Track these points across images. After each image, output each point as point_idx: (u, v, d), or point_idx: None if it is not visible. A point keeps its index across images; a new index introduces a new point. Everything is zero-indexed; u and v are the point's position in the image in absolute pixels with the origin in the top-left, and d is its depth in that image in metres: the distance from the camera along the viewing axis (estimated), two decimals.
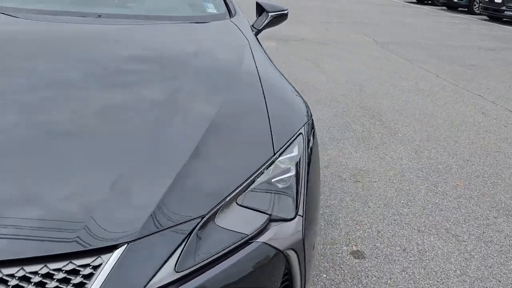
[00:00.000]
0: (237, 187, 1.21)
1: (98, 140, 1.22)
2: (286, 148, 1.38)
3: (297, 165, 1.38)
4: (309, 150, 1.47)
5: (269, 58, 2.02)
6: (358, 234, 2.33)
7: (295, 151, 1.39)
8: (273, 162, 1.33)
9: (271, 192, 1.29)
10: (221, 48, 1.87)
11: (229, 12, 2.36)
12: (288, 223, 1.25)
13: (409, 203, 2.68)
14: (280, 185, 1.32)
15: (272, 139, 1.38)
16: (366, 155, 3.29)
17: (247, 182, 1.24)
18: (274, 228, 1.22)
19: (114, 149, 1.20)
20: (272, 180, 1.31)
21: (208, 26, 2.12)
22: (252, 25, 2.57)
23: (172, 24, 2.06)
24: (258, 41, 2.19)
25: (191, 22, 2.13)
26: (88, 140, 1.22)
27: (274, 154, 1.34)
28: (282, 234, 1.22)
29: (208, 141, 1.30)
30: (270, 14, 2.56)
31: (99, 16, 2.02)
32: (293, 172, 1.36)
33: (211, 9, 2.37)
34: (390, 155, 3.33)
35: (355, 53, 6.95)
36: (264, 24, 2.55)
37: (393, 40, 8.44)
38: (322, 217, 2.44)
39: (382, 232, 2.36)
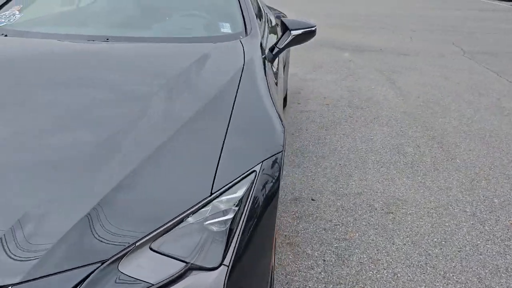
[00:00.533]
0: (154, 230, 1.14)
1: (26, 167, 1.23)
2: (228, 188, 1.28)
3: (240, 207, 1.27)
4: (264, 189, 1.35)
5: (267, 84, 1.90)
6: (370, 274, 2.11)
7: (239, 192, 1.28)
8: (208, 202, 1.24)
9: (200, 236, 1.20)
10: (207, 72, 1.81)
11: (246, 31, 2.30)
12: (209, 273, 1.15)
13: (443, 242, 2.37)
14: (215, 228, 1.23)
15: (215, 177, 1.28)
16: (410, 183, 2.99)
17: (169, 224, 1.17)
18: (191, 278, 1.13)
19: (37, 176, 1.20)
20: (206, 223, 1.22)
21: (211, 48, 2.07)
22: (275, 44, 2.48)
23: (174, 46, 2.05)
24: (264, 63, 2.09)
25: (197, 43, 2.10)
26: (15, 165, 1.24)
27: (211, 194, 1.24)
28: (198, 285, 1.13)
29: (142, 173, 1.26)
30: (292, 32, 2.44)
31: (107, 39, 2.08)
32: (232, 215, 1.25)
33: (226, 29, 2.32)
34: (439, 184, 2.99)
35: (437, 65, 6.42)
36: (286, 42, 2.43)
37: (485, 50, 7.67)
38: (335, 252, 2.25)
39: (398, 275, 2.11)
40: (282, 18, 2.56)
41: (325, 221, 2.52)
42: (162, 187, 1.24)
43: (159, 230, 1.14)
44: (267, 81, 1.94)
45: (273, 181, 1.39)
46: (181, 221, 1.19)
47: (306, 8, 12.45)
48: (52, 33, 2.14)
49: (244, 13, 2.41)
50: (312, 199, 2.74)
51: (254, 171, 1.34)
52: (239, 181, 1.30)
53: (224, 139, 1.41)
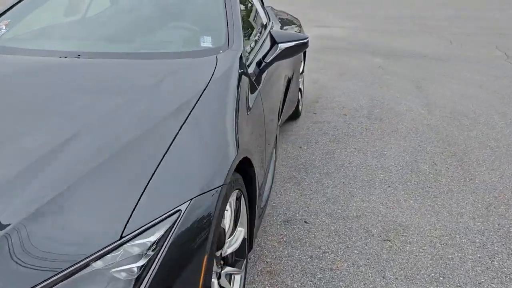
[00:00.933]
0: (48, 278, 1.04)
1: None
2: (144, 230, 1.16)
3: (155, 252, 1.15)
4: (191, 231, 1.22)
5: (236, 102, 1.78)
6: None
7: (155, 235, 1.16)
8: (119, 246, 1.12)
9: (105, 285, 1.09)
10: (164, 92, 1.70)
11: (228, 45, 2.18)
12: None
13: (442, 278, 2.13)
14: (123, 276, 1.11)
15: (131, 216, 1.17)
16: (417, 206, 2.75)
17: (68, 270, 1.06)
18: None
19: None
20: (114, 270, 1.11)
21: (182, 64, 1.96)
22: (263, 58, 2.33)
23: (142, 63, 1.96)
24: (240, 79, 1.96)
25: (168, 59, 2.00)
26: None
27: (121, 237, 1.13)
28: None
29: (49, 209, 1.16)
30: (280, 45, 2.29)
31: (78, 56, 2.02)
32: (144, 261, 1.13)
33: (206, 43, 2.21)
34: (450, 208, 2.73)
35: (475, 71, 6.00)
36: (273, 56, 2.29)
37: None
38: (316, 284, 2.08)
39: None
40: (271, 30, 2.41)
41: (314, 247, 2.34)
42: (69, 227, 1.14)
43: (54, 278, 1.04)
44: (237, 98, 1.81)
45: (204, 222, 1.25)
46: (85, 266, 1.08)
47: (351, 10, 12.13)
48: (26, 49, 2.12)
49: (229, 26, 2.28)
50: (305, 222, 2.56)
51: (178, 210, 1.21)
52: (158, 222, 1.18)
53: (155, 170, 1.29)
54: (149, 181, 1.26)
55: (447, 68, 6.21)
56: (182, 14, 2.50)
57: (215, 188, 1.32)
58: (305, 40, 2.38)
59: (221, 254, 1.63)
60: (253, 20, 2.98)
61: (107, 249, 1.10)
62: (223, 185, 1.35)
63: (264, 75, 2.35)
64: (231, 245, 1.74)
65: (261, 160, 2.07)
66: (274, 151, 2.88)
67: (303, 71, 4.33)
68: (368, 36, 8.49)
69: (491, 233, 2.49)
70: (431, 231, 2.50)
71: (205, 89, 1.73)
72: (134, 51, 2.12)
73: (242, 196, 1.76)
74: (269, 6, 3.99)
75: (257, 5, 3.19)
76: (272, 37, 2.32)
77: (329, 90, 5.10)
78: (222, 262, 1.67)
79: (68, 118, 1.51)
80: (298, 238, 2.41)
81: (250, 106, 1.96)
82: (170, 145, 1.40)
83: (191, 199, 1.24)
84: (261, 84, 2.25)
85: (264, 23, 3.16)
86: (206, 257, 1.24)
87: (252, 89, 2.08)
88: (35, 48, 2.13)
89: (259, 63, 2.32)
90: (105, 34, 2.35)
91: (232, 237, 1.72)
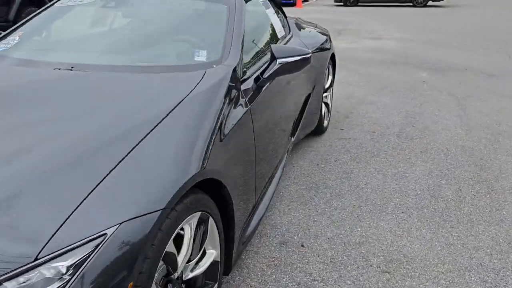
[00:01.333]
0: None
1: None
2: (63, 253, 1.13)
3: (72, 277, 1.11)
4: (115, 258, 1.17)
5: (216, 118, 1.74)
6: None
7: (72, 259, 1.12)
8: (32, 268, 1.10)
9: None
10: (134, 107, 1.68)
11: (222, 60, 2.13)
12: None
13: None
14: None
15: (51, 238, 1.14)
16: (429, 236, 2.53)
17: None
18: None
19: None
20: None
21: (166, 78, 1.94)
22: (261, 74, 2.26)
23: (128, 77, 1.95)
24: (228, 94, 1.90)
25: (156, 74, 1.98)
26: None
27: (36, 259, 1.10)
28: None
29: None
30: (278, 60, 2.21)
31: (71, 68, 2.05)
32: (57, 285, 1.10)
33: (201, 57, 2.17)
34: (465, 240, 2.49)
35: None
36: (270, 72, 2.21)
37: None
38: None
39: None
40: (271, 45, 2.33)
41: (304, 273, 2.22)
42: None
43: None
44: (216, 115, 1.76)
45: (133, 248, 1.20)
46: None
47: (411, 23, 11.74)
48: (22, 59, 2.19)
49: (227, 40, 2.23)
50: (302, 245, 2.44)
51: (104, 234, 1.17)
52: (79, 245, 1.14)
53: (94, 188, 1.26)
54: (83, 200, 1.23)
55: (498, 84, 5.79)
56: (183, 28, 2.48)
57: (153, 212, 1.26)
58: (306, 56, 2.27)
59: (180, 277, 1.57)
60: (265, 33, 2.92)
61: (20, 269, 1.08)
62: (164, 209, 1.29)
63: (263, 90, 2.27)
64: (197, 268, 1.68)
65: (246, 181, 1.99)
66: (280, 169, 2.78)
67: (331, 85, 4.19)
68: (418, 49, 8.14)
69: (507, 273, 2.23)
70: (438, 265, 2.29)
71: (177, 105, 1.69)
72: (127, 64, 2.12)
73: (212, 219, 1.69)
74: (294, 18, 3.90)
75: (273, 18, 3.12)
76: (271, 52, 2.24)
77: (363, 105, 4.91)
78: (183, 286, 1.61)
79: (24, 128, 1.53)
80: (290, 263, 2.30)
81: (232, 123, 1.88)
82: (119, 162, 1.36)
83: (120, 223, 1.20)
84: (255, 101, 2.17)
85: (280, 36, 3.09)
86: (131, 284, 1.18)
87: (241, 105, 2.01)
88: (32, 59, 2.19)
89: (257, 79, 2.25)
90: (103, 47, 2.38)
91: (196, 260, 1.65)
